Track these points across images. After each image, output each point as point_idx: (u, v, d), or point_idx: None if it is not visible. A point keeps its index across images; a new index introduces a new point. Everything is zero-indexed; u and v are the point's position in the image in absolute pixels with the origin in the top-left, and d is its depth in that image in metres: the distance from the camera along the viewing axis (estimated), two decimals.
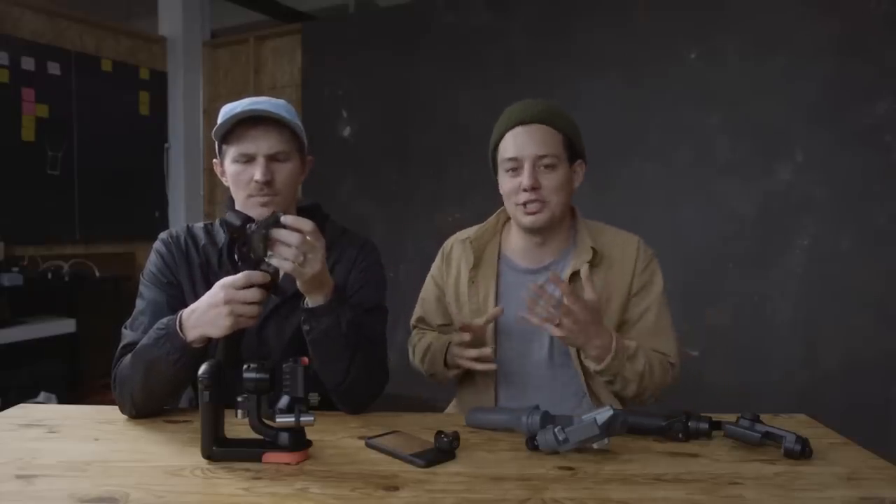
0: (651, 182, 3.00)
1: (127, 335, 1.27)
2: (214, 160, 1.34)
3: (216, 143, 1.30)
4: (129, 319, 1.29)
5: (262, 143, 1.24)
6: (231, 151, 1.26)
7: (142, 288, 1.33)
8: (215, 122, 1.27)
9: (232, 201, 1.37)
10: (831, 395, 2.59)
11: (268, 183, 1.24)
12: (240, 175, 1.25)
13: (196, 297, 1.29)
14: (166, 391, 1.18)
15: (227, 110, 1.27)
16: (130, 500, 0.85)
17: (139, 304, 1.31)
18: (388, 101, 3.75)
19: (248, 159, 1.25)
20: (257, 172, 1.23)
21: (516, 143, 1.36)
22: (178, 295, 1.31)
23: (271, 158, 1.25)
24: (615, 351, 1.26)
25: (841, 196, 2.66)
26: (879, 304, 2.59)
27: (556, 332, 1.23)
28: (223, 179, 1.34)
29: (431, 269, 1.57)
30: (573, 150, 1.39)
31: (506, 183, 1.39)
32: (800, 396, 2.65)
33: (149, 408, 1.19)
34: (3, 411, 1.24)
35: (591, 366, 1.30)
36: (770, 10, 2.77)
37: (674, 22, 2.95)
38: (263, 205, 1.26)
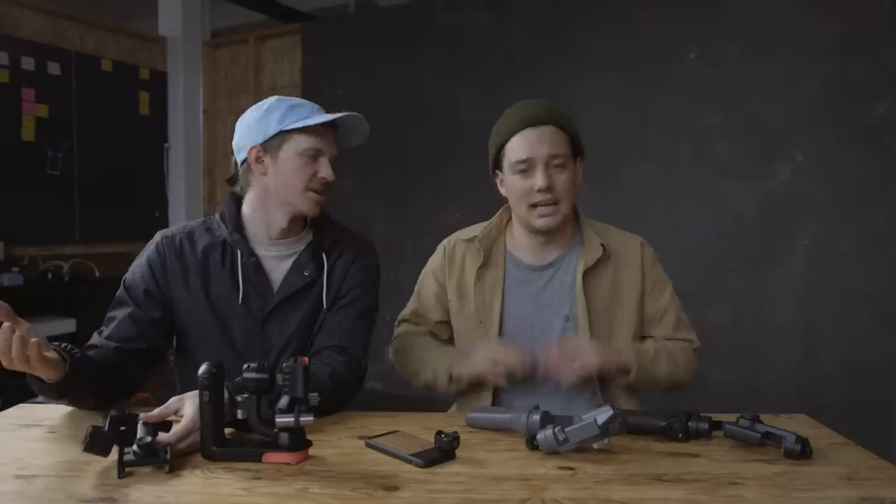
0: (651, 182, 3.00)
1: (94, 337, 1.29)
2: (253, 144, 1.31)
3: (272, 130, 1.29)
4: (104, 321, 1.32)
5: (332, 145, 1.34)
6: (301, 143, 1.30)
7: (119, 292, 1.33)
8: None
9: (234, 198, 1.37)
10: (831, 395, 2.59)
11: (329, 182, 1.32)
12: (305, 168, 1.30)
13: (190, 296, 1.32)
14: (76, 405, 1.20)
15: (294, 103, 1.31)
16: (130, 500, 0.85)
17: (114, 309, 1.32)
18: (388, 101, 3.74)
19: (317, 155, 1.31)
20: (326, 170, 1.31)
21: (528, 145, 1.35)
22: (157, 303, 1.31)
23: (331, 160, 1.33)
24: (637, 362, 1.32)
25: (841, 196, 2.66)
26: (879, 304, 2.58)
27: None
28: (256, 165, 1.32)
29: (430, 264, 1.55)
30: (577, 149, 1.40)
31: (516, 184, 1.37)
32: (800, 396, 2.65)
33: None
34: (3, 411, 1.24)
35: (620, 382, 1.35)
36: (770, 10, 2.77)
37: (674, 22, 2.95)
38: (319, 203, 1.34)
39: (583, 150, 1.42)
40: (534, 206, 1.36)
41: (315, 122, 1.28)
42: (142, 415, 1.00)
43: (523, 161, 1.35)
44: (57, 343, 1.12)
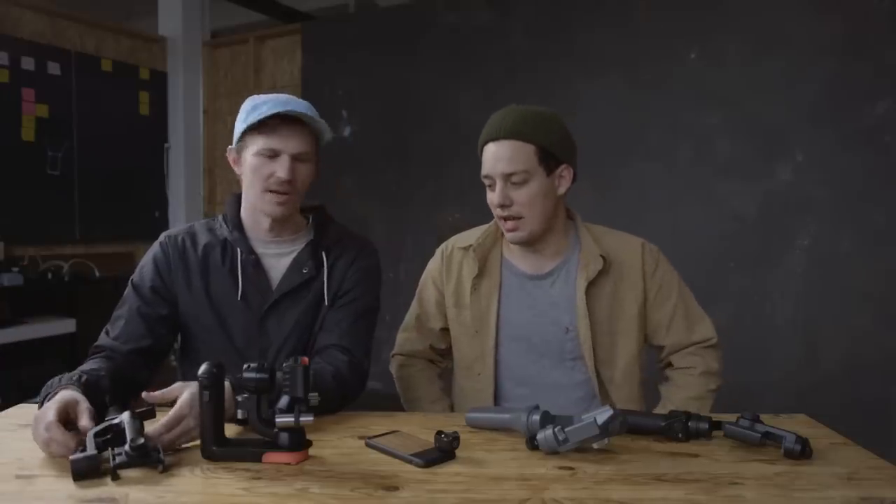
0: (651, 182, 3.00)
1: (102, 337, 1.30)
2: (230, 147, 1.35)
3: (238, 132, 1.30)
4: (111, 320, 1.32)
5: (291, 142, 1.26)
6: (257, 143, 1.27)
7: (127, 291, 1.35)
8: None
9: (236, 198, 1.39)
10: (831, 395, 2.59)
11: (290, 182, 1.26)
12: (261, 168, 1.27)
13: (191, 295, 1.32)
14: None
15: (258, 102, 1.28)
16: (130, 500, 0.85)
17: (121, 307, 1.33)
18: (388, 101, 3.74)
19: (274, 155, 1.27)
20: (282, 170, 1.25)
21: (488, 161, 1.35)
22: (164, 300, 1.33)
23: (295, 158, 1.27)
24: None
25: (841, 196, 2.65)
26: (879, 304, 2.58)
27: None
28: (235, 168, 1.35)
29: (429, 270, 1.54)
30: (552, 158, 1.33)
31: (488, 196, 1.38)
32: (800, 396, 2.65)
33: None
34: (3, 411, 1.24)
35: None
36: (770, 10, 2.77)
37: (674, 22, 2.95)
38: (281, 203, 1.28)
39: (569, 156, 1.36)
40: (501, 218, 1.37)
41: (256, 117, 1.25)
42: (130, 414, 0.99)
43: (486, 177, 1.36)
44: (77, 376, 1.11)
